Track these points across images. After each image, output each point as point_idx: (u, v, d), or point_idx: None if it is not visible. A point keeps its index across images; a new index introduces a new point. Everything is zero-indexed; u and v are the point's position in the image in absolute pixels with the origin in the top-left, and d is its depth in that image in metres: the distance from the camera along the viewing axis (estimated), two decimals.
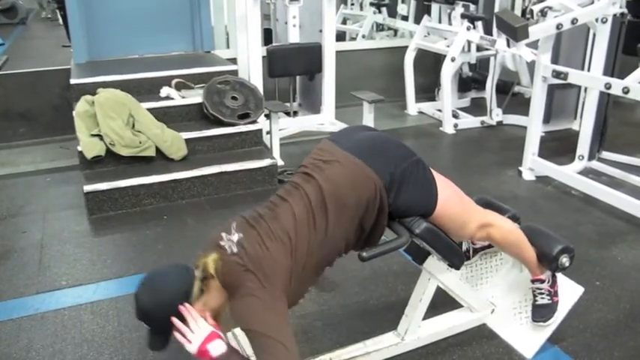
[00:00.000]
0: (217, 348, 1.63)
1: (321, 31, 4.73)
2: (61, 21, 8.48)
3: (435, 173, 1.96)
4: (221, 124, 3.98)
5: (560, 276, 2.31)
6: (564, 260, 2.17)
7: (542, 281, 2.24)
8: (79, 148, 3.60)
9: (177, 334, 1.66)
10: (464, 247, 2.56)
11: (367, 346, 2.21)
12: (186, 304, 1.66)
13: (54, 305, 2.63)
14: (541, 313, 2.25)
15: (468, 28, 4.81)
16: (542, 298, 2.25)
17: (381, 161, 1.82)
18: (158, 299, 1.67)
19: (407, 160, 1.87)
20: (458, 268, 2.05)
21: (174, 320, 1.65)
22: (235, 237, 1.72)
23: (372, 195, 1.78)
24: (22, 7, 11.58)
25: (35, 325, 2.49)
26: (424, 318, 2.28)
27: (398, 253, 2.08)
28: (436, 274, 2.15)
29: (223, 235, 1.75)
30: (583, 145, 3.98)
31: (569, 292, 2.31)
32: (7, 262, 3.00)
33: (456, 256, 1.97)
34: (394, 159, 1.84)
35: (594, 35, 3.90)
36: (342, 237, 1.81)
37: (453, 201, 1.95)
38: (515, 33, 3.29)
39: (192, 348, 1.64)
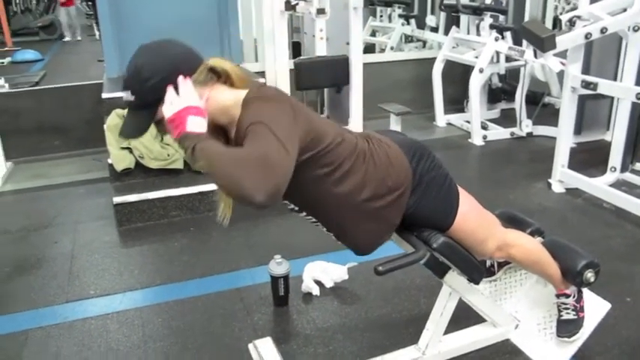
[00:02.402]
0: (196, 124, 1.43)
1: (348, 43, 4.76)
2: (97, 36, 8.74)
3: (458, 188, 1.94)
4: None
5: (586, 291, 2.26)
6: (589, 275, 2.12)
7: (567, 296, 2.19)
8: (110, 161, 3.70)
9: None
10: (488, 263, 2.54)
11: (386, 359, 2.19)
12: (185, 77, 1.50)
13: (82, 314, 2.68)
14: (566, 328, 2.20)
15: (497, 39, 4.76)
16: (568, 313, 2.20)
17: (415, 161, 1.81)
18: (161, 60, 1.53)
19: (437, 170, 1.87)
20: (477, 283, 2.02)
21: (169, 88, 1.49)
22: None
23: (399, 182, 1.75)
24: (60, 24, 11.98)
25: (63, 334, 2.55)
26: (446, 332, 2.25)
27: (420, 268, 2.06)
28: (458, 288, 2.12)
29: None
30: (615, 157, 3.88)
31: (595, 307, 2.25)
32: (39, 271, 3.08)
33: (475, 270, 1.94)
34: (427, 165, 1.84)
35: (627, 45, 3.82)
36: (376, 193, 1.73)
37: (471, 215, 1.93)
38: (543, 43, 3.25)
39: (169, 111, 1.47)
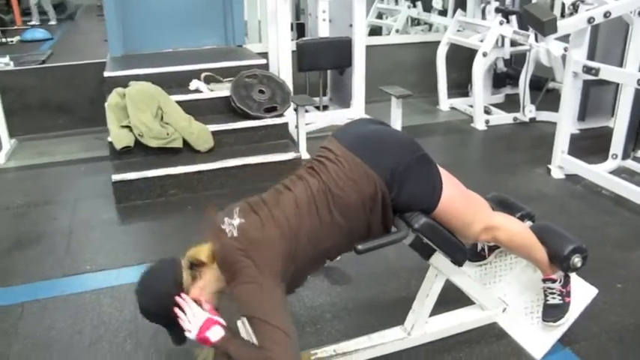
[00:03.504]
0: (215, 334, 1.69)
1: (351, 25, 4.73)
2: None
3: (441, 170, 1.94)
4: (248, 117, 4.04)
5: (574, 276, 2.26)
6: (576, 260, 2.12)
7: (553, 281, 2.19)
8: (110, 139, 3.72)
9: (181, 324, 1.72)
10: (479, 247, 2.54)
11: (372, 339, 2.22)
12: (183, 295, 1.73)
13: (77, 288, 2.73)
14: (552, 313, 2.21)
15: (501, 23, 4.71)
16: (554, 298, 2.21)
17: (382, 158, 1.82)
18: (152, 297, 1.76)
19: (411, 155, 1.86)
20: (460, 265, 2.03)
21: (176, 311, 1.71)
22: (237, 221, 1.76)
23: (372, 192, 1.79)
24: (70, 4, 11.97)
25: (59, 307, 2.60)
26: (434, 314, 2.27)
27: (412, 250, 2.07)
28: (444, 270, 2.13)
29: (225, 219, 1.78)
30: (617, 144, 3.85)
31: (582, 293, 2.26)
32: (38, 246, 3.13)
33: (457, 252, 1.95)
34: (396, 155, 1.84)
35: (632, 30, 3.76)
36: (348, 231, 1.82)
37: (457, 199, 1.93)
38: (543, 27, 3.21)
39: (192, 336, 1.71)
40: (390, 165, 1.80)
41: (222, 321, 1.74)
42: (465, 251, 1.99)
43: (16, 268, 2.92)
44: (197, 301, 1.75)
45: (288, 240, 1.74)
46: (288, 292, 1.80)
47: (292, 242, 1.74)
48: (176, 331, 1.76)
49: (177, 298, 1.72)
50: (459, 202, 1.94)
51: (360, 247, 1.75)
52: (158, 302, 1.75)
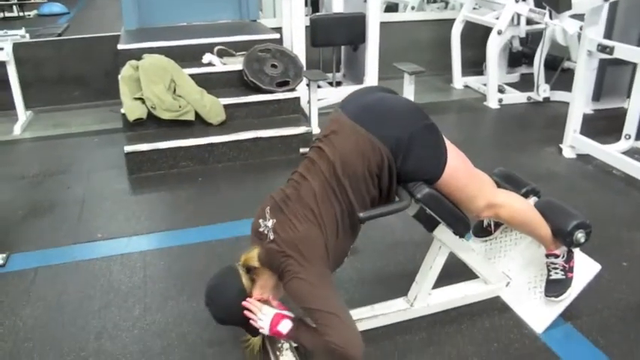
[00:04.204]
0: (285, 326, 1.87)
1: (365, 0, 4.69)
2: None
3: (448, 143, 1.95)
4: (260, 91, 4.05)
5: (577, 252, 2.27)
6: (579, 236, 2.12)
7: (556, 256, 2.20)
8: (123, 111, 3.76)
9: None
10: (485, 223, 2.55)
11: (375, 309, 2.25)
12: (248, 299, 1.90)
13: (88, 255, 2.80)
14: (554, 288, 2.22)
15: (517, 0, 4.65)
16: (557, 273, 2.22)
17: (388, 127, 1.83)
18: (224, 308, 1.94)
19: (417, 124, 1.87)
20: (462, 236, 2.05)
21: (247, 314, 1.90)
22: (270, 223, 1.86)
23: (379, 161, 1.81)
24: None
25: (70, 272, 2.67)
26: (437, 286, 2.30)
27: (419, 224, 2.10)
28: (448, 243, 2.15)
29: (260, 221, 1.90)
30: (630, 124, 3.80)
31: (585, 269, 2.26)
32: (51, 214, 3.20)
33: (460, 223, 1.97)
34: (402, 123, 1.85)
35: None
36: (365, 201, 1.86)
37: (461, 171, 1.94)
38: (557, 4, 3.17)
39: (265, 332, 1.90)
40: (395, 133, 1.81)
41: (289, 313, 1.92)
42: (468, 223, 2.00)
43: (30, 235, 2.99)
44: (262, 300, 1.92)
45: (317, 228, 1.82)
46: (333, 270, 1.94)
47: (322, 228, 1.83)
48: (251, 329, 1.94)
49: (244, 303, 1.89)
50: (463, 174, 1.95)
51: (362, 215, 1.77)
52: (230, 311, 1.92)
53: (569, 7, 3.19)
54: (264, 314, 1.88)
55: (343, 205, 1.83)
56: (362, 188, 1.83)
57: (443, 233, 2.12)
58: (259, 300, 1.92)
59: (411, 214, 2.03)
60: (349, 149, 1.82)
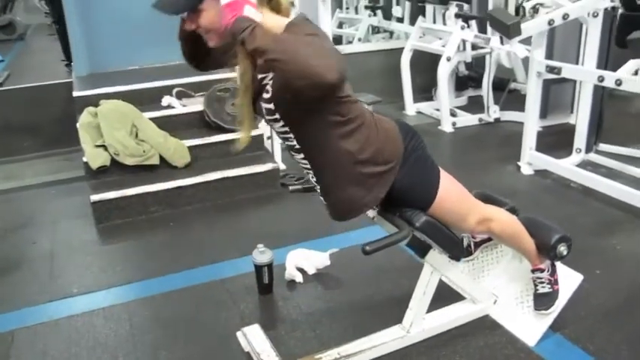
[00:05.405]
0: (251, 13, 1.55)
1: None
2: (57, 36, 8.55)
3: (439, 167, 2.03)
4: (222, 130, 4.05)
5: (559, 265, 2.37)
6: (562, 249, 2.23)
7: (542, 270, 2.30)
8: (85, 159, 3.67)
9: None
10: (465, 243, 2.63)
11: (373, 340, 2.26)
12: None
13: (66, 312, 2.68)
14: (542, 301, 2.31)
15: (462, 28, 4.87)
16: (543, 287, 2.31)
17: (408, 141, 1.93)
18: None
19: (423, 149, 2.00)
20: (459, 260, 2.11)
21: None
22: None
23: (393, 157, 1.87)
24: (20, 23, 11.65)
25: (50, 332, 2.55)
26: (428, 311, 2.34)
27: (399, 250, 2.14)
28: (438, 266, 2.20)
29: None
30: (580, 138, 4.03)
31: (569, 280, 2.37)
32: (19, 272, 3.06)
33: (456, 248, 2.03)
34: (415, 144, 1.96)
35: (587, 29, 3.95)
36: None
37: (453, 192, 2.02)
38: (508, 30, 3.36)
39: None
40: (409, 149, 1.92)
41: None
42: (462, 247, 2.08)
43: (1, 296, 2.84)
44: None
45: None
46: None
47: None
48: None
49: None
50: (454, 195, 2.03)
51: (367, 247, 1.80)
52: None
53: (519, 32, 3.38)
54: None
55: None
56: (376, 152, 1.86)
57: (434, 258, 2.17)
58: None
59: (404, 244, 2.08)
60: (383, 128, 1.88)
